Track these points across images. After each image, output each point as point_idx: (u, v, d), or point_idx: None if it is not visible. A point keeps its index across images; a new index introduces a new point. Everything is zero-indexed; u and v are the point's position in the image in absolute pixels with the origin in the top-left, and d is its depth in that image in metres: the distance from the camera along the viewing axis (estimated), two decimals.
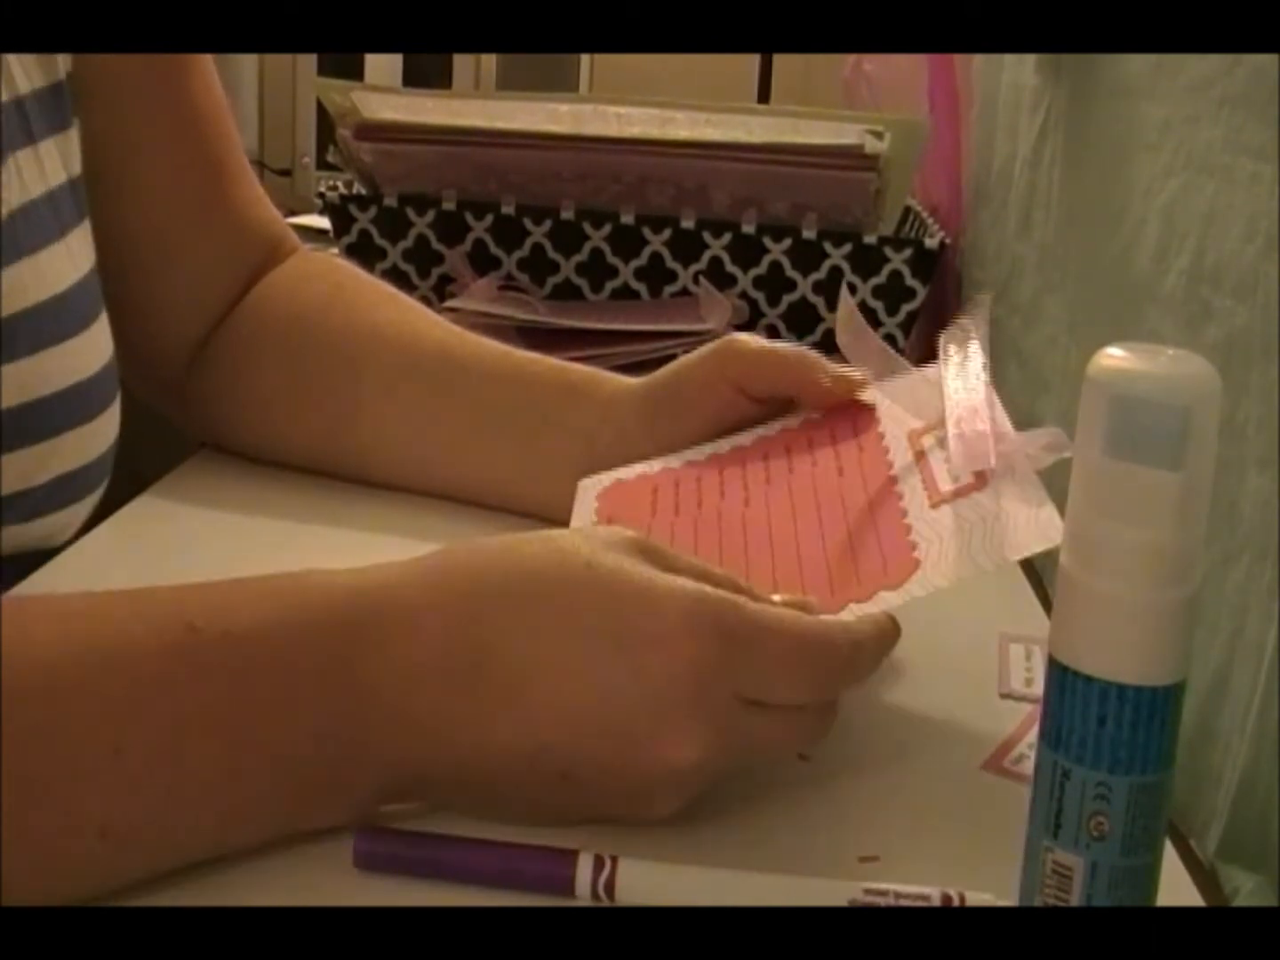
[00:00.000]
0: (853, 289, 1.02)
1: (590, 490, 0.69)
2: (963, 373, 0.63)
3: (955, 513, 0.57)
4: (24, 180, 0.69)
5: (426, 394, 0.77)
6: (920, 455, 0.61)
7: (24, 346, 0.67)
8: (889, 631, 0.54)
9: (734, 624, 0.49)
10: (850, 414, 0.67)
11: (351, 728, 0.48)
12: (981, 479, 0.57)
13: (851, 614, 0.55)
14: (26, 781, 0.43)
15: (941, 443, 0.61)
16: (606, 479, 0.70)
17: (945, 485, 0.58)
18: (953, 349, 0.65)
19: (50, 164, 0.71)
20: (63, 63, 0.72)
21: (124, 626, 0.47)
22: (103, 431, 0.73)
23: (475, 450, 0.76)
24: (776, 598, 0.53)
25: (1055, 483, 0.53)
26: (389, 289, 0.83)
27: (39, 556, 0.70)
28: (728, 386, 0.70)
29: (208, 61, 0.80)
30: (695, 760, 0.48)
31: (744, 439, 0.70)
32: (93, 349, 0.72)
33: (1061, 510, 0.43)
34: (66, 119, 0.73)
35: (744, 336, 0.71)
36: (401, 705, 0.48)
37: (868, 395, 0.68)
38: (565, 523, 0.71)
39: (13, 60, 0.69)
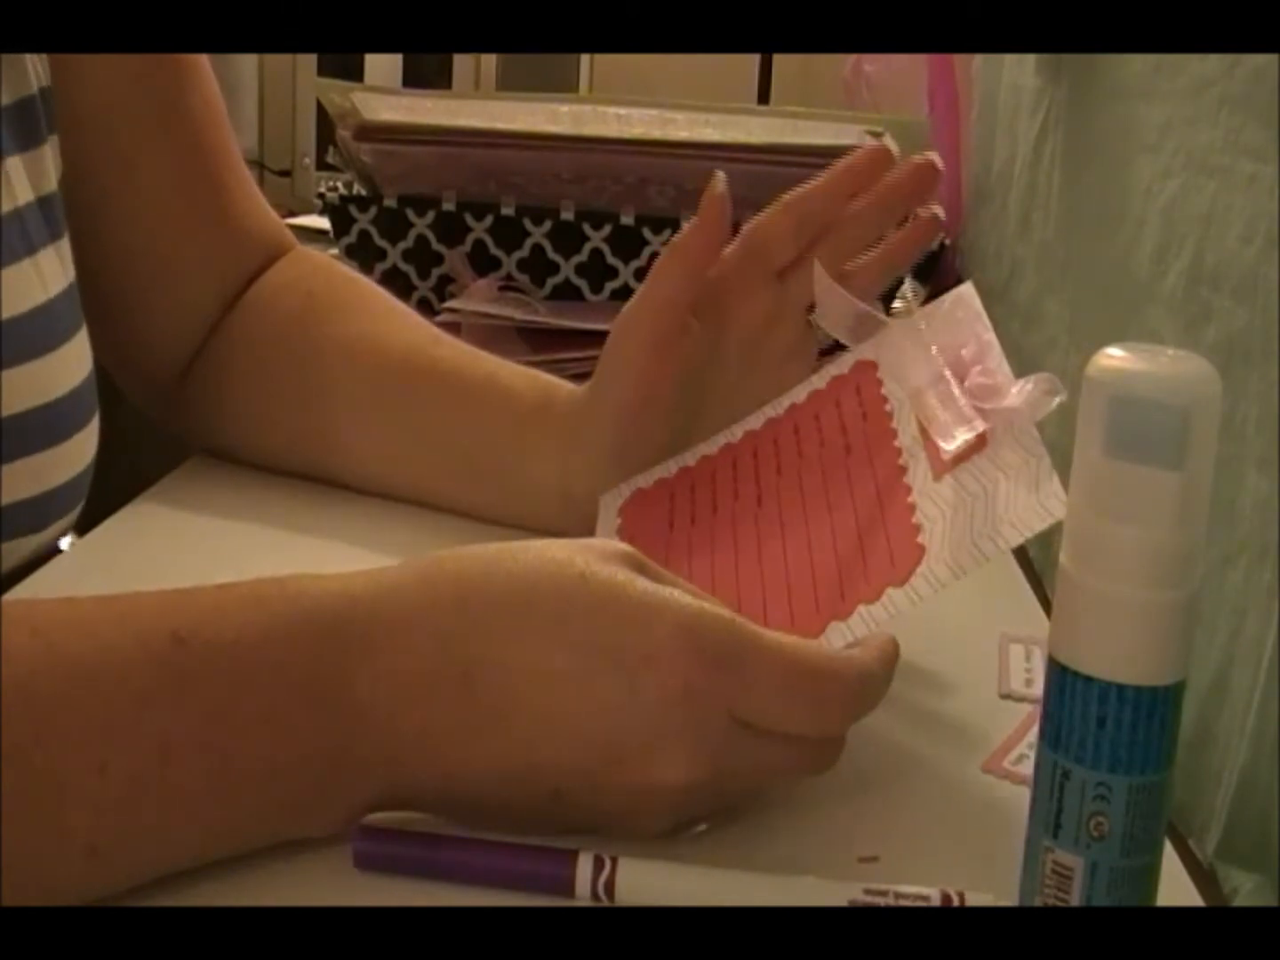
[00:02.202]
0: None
1: (611, 506, 0.70)
2: (949, 328, 0.62)
3: (956, 482, 0.57)
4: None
5: (390, 424, 0.76)
6: (923, 420, 0.60)
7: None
8: (891, 656, 0.53)
9: (731, 643, 0.48)
10: (853, 378, 0.67)
11: (339, 741, 0.47)
12: (981, 440, 0.56)
13: (862, 618, 0.55)
14: (11, 801, 0.42)
15: (943, 401, 0.60)
16: (626, 490, 0.70)
17: (947, 448, 0.58)
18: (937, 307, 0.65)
19: (18, 182, 0.69)
20: (35, 77, 0.70)
21: (106, 638, 0.46)
22: (81, 449, 0.71)
23: (447, 487, 0.76)
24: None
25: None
26: (361, 292, 0.82)
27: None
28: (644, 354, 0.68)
29: (205, 73, 0.79)
30: (685, 781, 0.48)
31: (754, 423, 0.69)
32: (72, 363, 0.70)
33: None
34: (38, 136, 0.71)
35: (629, 305, 0.70)
36: (390, 719, 0.47)
37: (867, 353, 0.67)
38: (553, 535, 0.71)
39: None
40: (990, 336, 0.61)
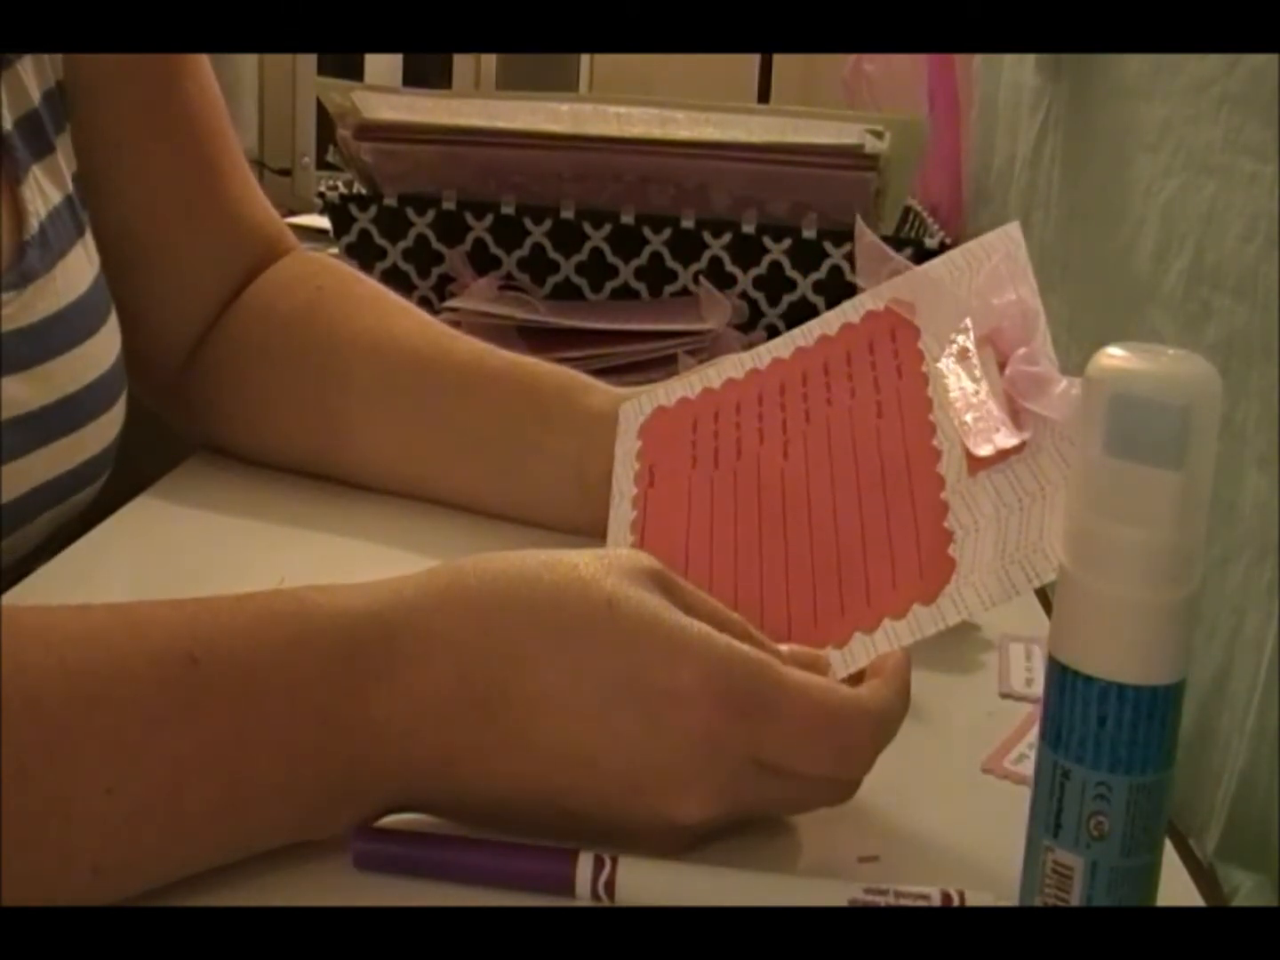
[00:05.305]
0: (854, 289, 1.02)
1: (632, 421, 0.68)
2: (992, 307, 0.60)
3: (991, 486, 0.55)
4: (45, 189, 0.71)
5: (405, 413, 0.76)
6: (956, 418, 0.59)
7: (58, 347, 0.69)
8: (908, 683, 0.52)
9: (757, 689, 0.47)
10: (888, 319, 0.65)
11: (352, 759, 0.47)
12: (1020, 445, 0.55)
13: (886, 634, 0.54)
14: (16, 821, 0.41)
15: (980, 398, 0.58)
16: (648, 406, 0.69)
17: (982, 454, 0.56)
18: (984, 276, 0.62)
19: (65, 165, 0.72)
20: (51, 65, 0.73)
21: (119, 655, 0.45)
22: (118, 418, 0.75)
23: (460, 476, 0.75)
24: (784, 648, 0.52)
25: None
26: (372, 289, 0.82)
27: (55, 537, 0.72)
28: None
29: (202, 61, 0.80)
30: (700, 818, 0.47)
31: (782, 350, 0.67)
32: (110, 341, 0.74)
33: None
34: (63, 122, 0.73)
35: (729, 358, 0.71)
36: (405, 738, 0.47)
37: (904, 293, 0.65)
38: (567, 532, 0.71)
39: (21, 75, 0.70)
40: (1036, 303, 0.59)
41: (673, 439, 0.67)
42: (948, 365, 0.60)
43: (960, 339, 0.60)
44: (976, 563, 0.54)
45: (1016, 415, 0.56)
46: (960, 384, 0.59)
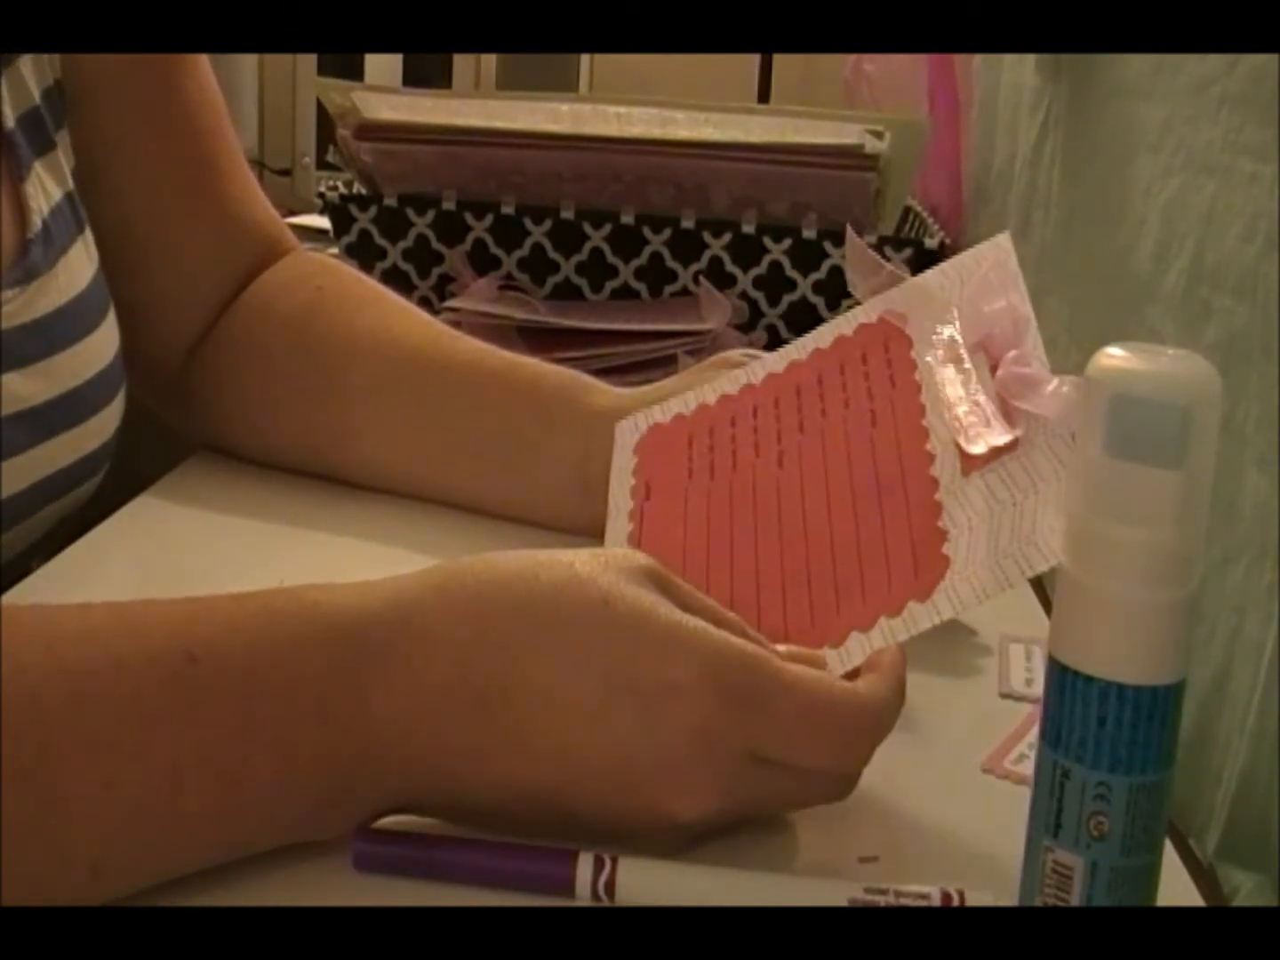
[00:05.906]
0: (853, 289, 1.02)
1: (629, 438, 0.69)
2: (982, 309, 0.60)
3: (985, 485, 0.55)
4: (47, 186, 0.71)
5: (405, 414, 0.76)
6: (949, 418, 0.59)
7: (60, 342, 0.69)
8: (904, 678, 0.52)
9: (754, 683, 0.48)
10: (881, 331, 0.65)
11: (351, 757, 0.47)
12: (1013, 442, 0.55)
13: (882, 632, 0.55)
14: (14, 820, 0.41)
15: (972, 397, 0.58)
16: (643, 423, 0.69)
17: (975, 452, 0.56)
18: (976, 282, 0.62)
19: (65, 162, 0.73)
20: (49, 63, 0.73)
21: (119, 654, 0.45)
22: (118, 411, 0.75)
23: (460, 476, 0.76)
24: (781, 648, 0.52)
25: None
26: (372, 289, 0.82)
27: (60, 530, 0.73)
28: None
29: (202, 60, 0.80)
30: (699, 814, 0.48)
31: (776, 365, 0.68)
32: (110, 336, 0.74)
33: None
34: (62, 118, 0.74)
35: (732, 354, 0.72)
36: (404, 736, 0.47)
37: (896, 304, 0.65)
38: (568, 532, 0.71)
39: (22, 72, 0.70)
40: (1027, 309, 0.59)
41: (669, 454, 0.67)
42: (940, 372, 0.61)
43: (952, 346, 0.61)
44: (970, 558, 0.54)
45: (1008, 415, 0.56)
46: (953, 389, 0.60)
